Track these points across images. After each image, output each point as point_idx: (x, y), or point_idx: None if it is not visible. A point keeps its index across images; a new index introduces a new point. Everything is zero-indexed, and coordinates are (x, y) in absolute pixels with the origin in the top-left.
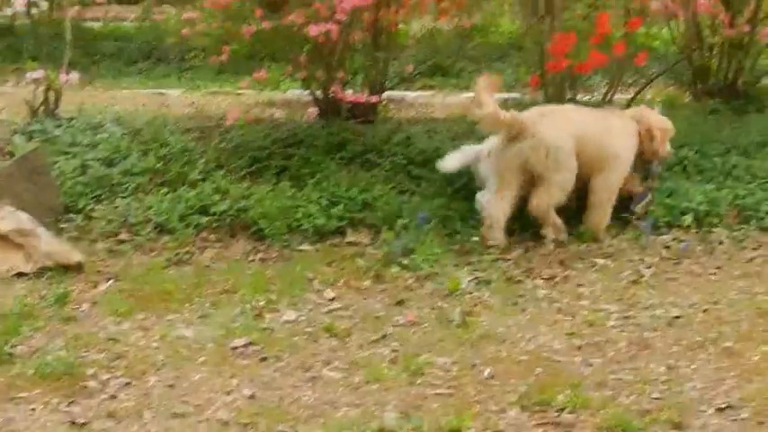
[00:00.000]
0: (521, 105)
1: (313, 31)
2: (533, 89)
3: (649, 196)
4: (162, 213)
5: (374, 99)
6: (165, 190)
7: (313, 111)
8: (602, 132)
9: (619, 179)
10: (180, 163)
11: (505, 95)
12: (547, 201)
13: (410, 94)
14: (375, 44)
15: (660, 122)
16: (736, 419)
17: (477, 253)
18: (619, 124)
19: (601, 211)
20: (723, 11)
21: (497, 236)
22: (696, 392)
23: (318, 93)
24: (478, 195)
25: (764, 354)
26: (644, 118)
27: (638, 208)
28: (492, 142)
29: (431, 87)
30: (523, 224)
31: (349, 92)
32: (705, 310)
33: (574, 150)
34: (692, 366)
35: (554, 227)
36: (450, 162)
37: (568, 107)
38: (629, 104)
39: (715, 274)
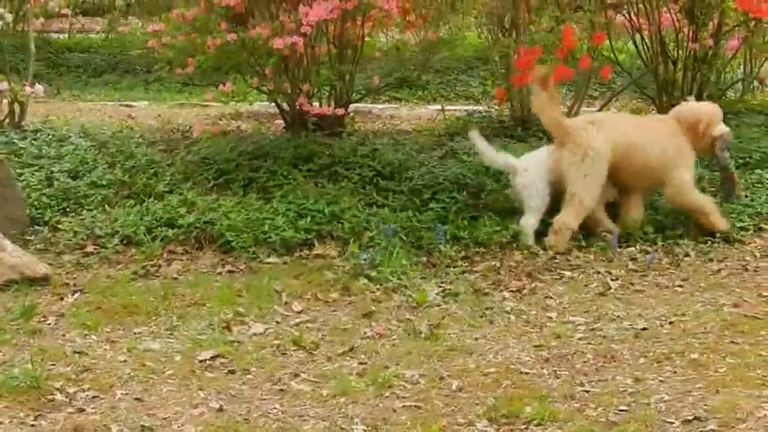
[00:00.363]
0: (486, 119)
1: (278, 43)
2: (499, 102)
3: (735, 181)
4: (128, 226)
5: (340, 111)
6: (131, 202)
7: (279, 123)
8: (650, 142)
9: (690, 180)
10: (146, 175)
11: (471, 108)
12: (571, 222)
13: (377, 107)
14: (341, 57)
15: (697, 110)
16: (702, 431)
17: (445, 265)
18: (666, 131)
19: (700, 212)
20: (687, 25)
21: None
22: (663, 404)
23: (285, 105)
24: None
25: (730, 366)
26: (681, 114)
27: (734, 197)
28: (529, 158)
29: (397, 100)
30: (490, 236)
31: (315, 104)
32: (671, 323)
33: (608, 161)
34: (659, 378)
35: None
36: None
37: (617, 116)
38: None
39: (681, 286)
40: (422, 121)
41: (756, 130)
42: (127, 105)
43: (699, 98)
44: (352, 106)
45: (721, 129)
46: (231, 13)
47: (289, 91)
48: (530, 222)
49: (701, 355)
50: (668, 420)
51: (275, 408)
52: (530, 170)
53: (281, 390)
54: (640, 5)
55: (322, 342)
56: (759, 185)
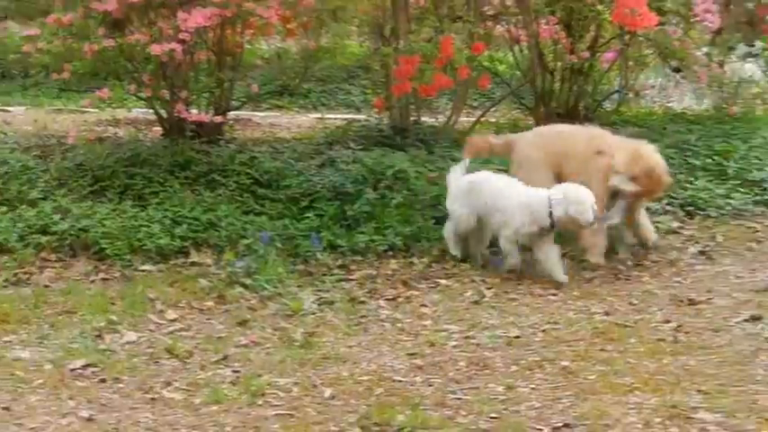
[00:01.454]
0: (365, 127)
1: (156, 49)
2: (378, 110)
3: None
4: (0, 233)
5: (218, 119)
6: (3, 209)
7: (158, 130)
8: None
9: None
10: (20, 181)
11: (351, 116)
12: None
13: (258, 115)
14: (220, 64)
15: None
16: None
17: (321, 273)
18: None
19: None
20: (565, 37)
21: None
22: (533, 411)
23: (163, 112)
24: None
25: (600, 373)
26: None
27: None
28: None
29: (279, 108)
30: (367, 245)
31: (194, 111)
32: (544, 330)
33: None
34: (530, 386)
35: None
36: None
37: (562, 127)
38: (473, 126)
39: (555, 294)
40: (302, 129)
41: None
42: (2, 110)
43: (575, 109)
44: (232, 114)
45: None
46: (109, 18)
47: (167, 97)
48: (454, 253)
49: (571, 362)
50: (538, 427)
51: (146, 417)
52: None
53: (153, 399)
54: (519, 17)
55: (196, 350)
56: None
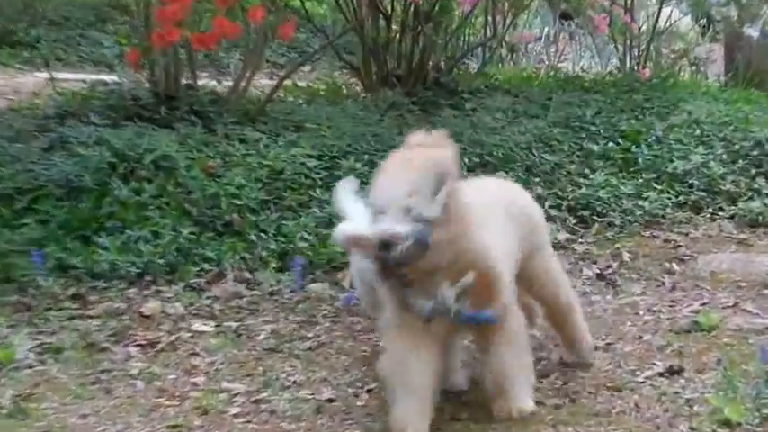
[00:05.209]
0: (116, 94)
1: None
2: (134, 68)
3: None
4: None
5: None
6: None
7: None
8: None
9: None
10: None
11: (95, 77)
12: None
13: None
14: None
15: None
16: None
17: (45, 308)
18: None
19: None
20: None
21: None
22: None
23: None
24: None
25: None
26: None
27: None
28: None
29: None
30: (113, 266)
31: None
32: (370, 391)
33: None
34: None
35: None
36: None
37: None
38: (272, 93)
39: None
40: (23, 95)
41: (499, 116)
42: None
43: (421, 69)
44: None
45: None
46: None
47: None
48: None
49: None
50: None
51: None
52: None
53: None
54: None
55: None
56: None
